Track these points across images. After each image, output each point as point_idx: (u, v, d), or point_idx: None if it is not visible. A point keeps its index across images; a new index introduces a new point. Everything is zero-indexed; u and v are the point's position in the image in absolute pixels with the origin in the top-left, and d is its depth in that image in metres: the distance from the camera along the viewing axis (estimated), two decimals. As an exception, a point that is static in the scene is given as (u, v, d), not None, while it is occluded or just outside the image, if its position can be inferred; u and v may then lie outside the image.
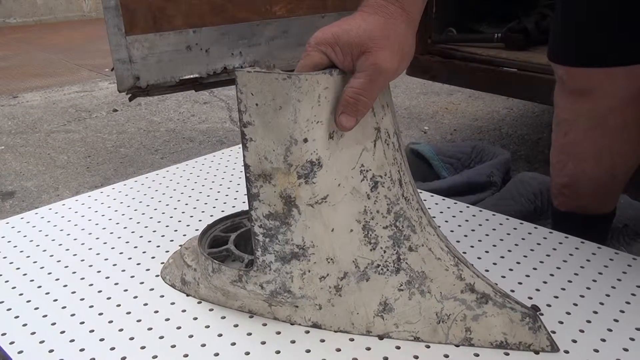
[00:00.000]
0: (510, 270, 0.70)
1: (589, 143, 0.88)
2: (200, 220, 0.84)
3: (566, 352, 0.56)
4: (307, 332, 0.59)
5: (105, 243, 0.79)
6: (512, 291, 0.66)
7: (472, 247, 0.76)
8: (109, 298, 0.66)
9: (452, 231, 0.80)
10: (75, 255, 0.76)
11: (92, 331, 0.60)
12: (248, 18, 1.52)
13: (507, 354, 0.56)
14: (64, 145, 1.98)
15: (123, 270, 0.72)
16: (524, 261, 0.72)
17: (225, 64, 1.53)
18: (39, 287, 0.68)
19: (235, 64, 1.54)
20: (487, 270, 0.70)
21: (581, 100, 0.86)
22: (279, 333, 0.59)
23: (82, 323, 0.61)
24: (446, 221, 0.83)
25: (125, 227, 0.83)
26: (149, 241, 0.79)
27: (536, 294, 0.66)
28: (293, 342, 0.58)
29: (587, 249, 0.75)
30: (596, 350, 0.56)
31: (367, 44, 0.50)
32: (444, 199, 0.90)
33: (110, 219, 0.86)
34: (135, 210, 0.89)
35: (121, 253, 0.76)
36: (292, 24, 1.59)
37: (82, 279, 0.70)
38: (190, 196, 0.93)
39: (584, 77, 0.84)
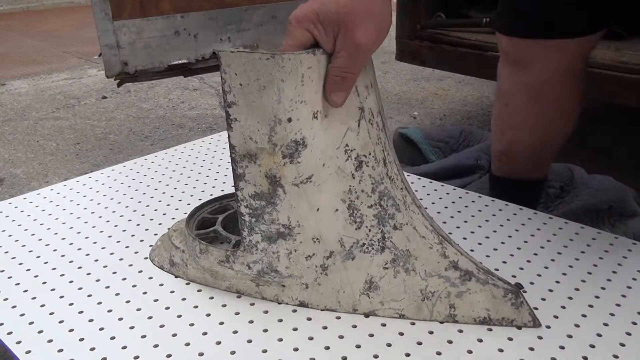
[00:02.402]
0: (495, 250, 0.72)
1: (526, 114, 0.93)
2: (188, 204, 0.85)
3: (548, 327, 0.57)
4: (294, 310, 0.60)
5: (93, 227, 0.79)
6: (497, 270, 0.67)
7: (457, 227, 0.77)
8: (97, 280, 0.66)
9: (438, 212, 0.81)
10: (63, 239, 0.76)
11: (81, 312, 0.61)
12: (236, 3, 1.51)
13: (490, 330, 0.57)
14: (52, 133, 1.97)
15: (111, 253, 0.72)
16: (509, 241, 0.74)
17: (214, 49, 1.53)
18: (28, 270, 0.69)
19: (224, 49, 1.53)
20: (472, 250, 0.71)
21: (520, 72, 0.90)
22: (266, 312, 0.60)
23: (71, 304, 0.62)
24: (433, 203, 0.84)
25: (113, 211, 0.83)
26: (138, 224, 0.79)
27: (520, 272, 0.67)
28: (280, 320, 0.59)
29: (570, 229, 0.76)
30: (577, 325, 0.58)
31: (345, 21, 0.51)
32: (431, 182, 0.91)
33: (98, 204, 0.86)
34: (124, 194, 0.89)
35: (109, 236, 0.76)
36: (280, 8, 1.58)
37: (71, 261, 0.70)
38: (178, 181, 0.94)
39: (522, 48, 0.88)
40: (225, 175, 0.96)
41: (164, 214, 0.82)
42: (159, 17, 1.41)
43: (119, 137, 1.91)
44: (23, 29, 4.27)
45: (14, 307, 0.62)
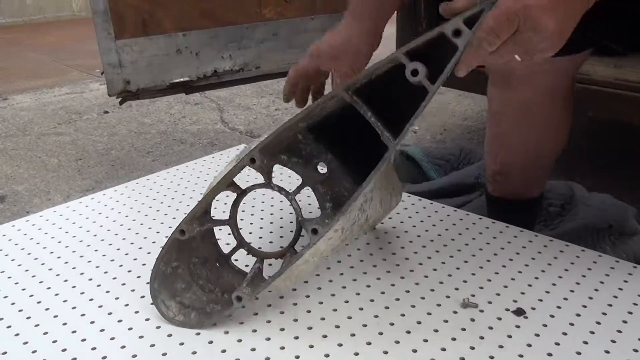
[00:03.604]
0: (496, 273, 0.72)
1: (517, 133, 0.94)
2: (191, 227, 0.85)
3: (549, 354, 0.57)
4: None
5: (96, 250, 0.79)
6: (498, 294, 0.67)
7: (459, 250, 0.77)
8: (100, 306, 0.67)
9: (439, 235, 0.81)
10: (66, 263, 0.76)
11: (83, 340, 0.61)
12: (237, 21, 1.53)
13: (501, 347, 0.57)
14: (54, 148, 1.98)
15: (114, 278, 0.72)
16: (510, 265, 0.74)
17: (216, 67, 1.54)
18: (31, 295, 0.69)
19: (225, 67, 1.54)
20: (473, 274, 0.72)
21: (509, 92, 0.92)
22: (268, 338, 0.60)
23: (73, 332, 0.62)
24: (434, 225, 0.84)
25: (116, 234, 0.84)
26: (140, 248, 0.80)
27: (521, 297, 0.67)
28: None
29: (571, 252, 0.77)
30: (578, 353, 0.58)
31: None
32: (431, 203, 0.91)
33: (101, 226, 0.86)
34: (126, 216, 0.89)
35: (112, 260, 0.77)
36: (281, 26, 1.59)
37: (74, 287, 0.71)
38: (180, 201, 0.94)
39: (510, 70, 0.88)
40: (227, 196, 0.96)
41: (166, 237, 0.82)
42: (161, 35, 1.42)
43: (120, 152, 1.92)
44: (26, 42, 4.30)
45: (16, 334, 0.62)
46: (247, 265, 0.69)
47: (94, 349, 0.59)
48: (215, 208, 0.67)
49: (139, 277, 0.72)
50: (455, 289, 0.68)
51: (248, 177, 0.93)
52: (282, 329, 0.62)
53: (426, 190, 1.21)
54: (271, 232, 0.83)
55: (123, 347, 0.60)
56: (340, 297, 0.67)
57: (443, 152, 1.38)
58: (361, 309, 0.65)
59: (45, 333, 0.62)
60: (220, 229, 0.69)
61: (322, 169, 0.70)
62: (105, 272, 0.74)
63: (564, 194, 1.14)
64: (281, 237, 0.82)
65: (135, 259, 0.77)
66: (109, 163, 1.83)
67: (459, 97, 2.48)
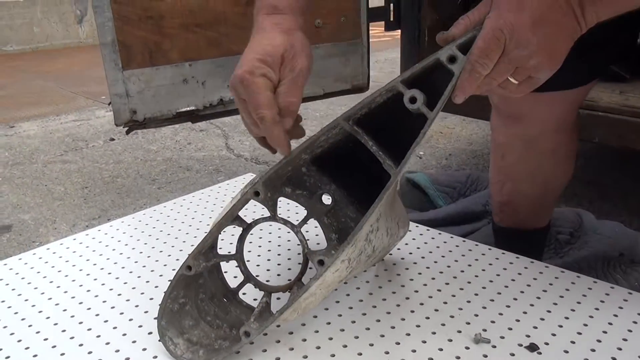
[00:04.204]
0: (508, 307, 0.71)
1: (523, 165, 0.93)
2: (198, 259, 0.84)
3: (564, 393, 0.56)
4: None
5: (103, 284, 0.79)
6: (510, 329, 0.66)
7: (469, 282, 0.76)
8: (107, 343, 0.66)
9: (448, 266, 0.80)
10: (73, 297, 0.76)
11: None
12: (243, 50, 1.54)
13: (506, 397, 0.56)
14: (61, 176, 1.98)
15: (121, 313, 0.72)
16: (521, 297, 0.73)
17: (222, 96, 1.55)
18: (38, 332, 0.68)
19: (231, 96, 1.55)
20: (484, 307, 0.70)
21: (514, 125, 0.91)
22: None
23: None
24: (443, 256, 0.83)
25: (123, 267, 0.83)
26: (147, 281, 0.79)
27: (534, 331, 0.66)
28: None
29: (583, 284, 0.76)
30: (594, 391, 0.56)
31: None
32: (440, 233, 0.91)
33: (108, 259, 0.86)
34: (133, 248, 0.89)
35: (119, 294, 0.76)
36: (286, 55, 1.60)
37: (80, 323, 0.70)
38: (187, 233, 0.94)
39: (515, 103, 0.88)
40: (234, 227, 0.96)
41: (173, 270, 0.82)
42: (167, 65, 1.43)
43: (126, 180, 1.93)
44: (33, 70, 4.36)
45: (23, 373, 0.61)
46: (255, 300, 0.68)
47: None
48: (222, 240, 0.67)
49: (146, 312, 0.72)
50: (466, 323, 0.67)
51: (254, 211, 0.93)
52: (291, 367, 0.61)
53: (433, 218, 1.21)
54: (278, 265, 0.82)
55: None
56: (350, 333, 0.66)
57: (450, 179, 1.38)
58: (371, 344, 0.64)
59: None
60: (227, 264, 0.68)
61: (327, 200, 0.70)
62: (113, 307, 0.73)
63: (573, 222, 1.13)
64: (289, 269, 0.81)
65: (142, 293, 0.76)
66: (115, 191, 1.83)
67: (463, 122, 2.49)
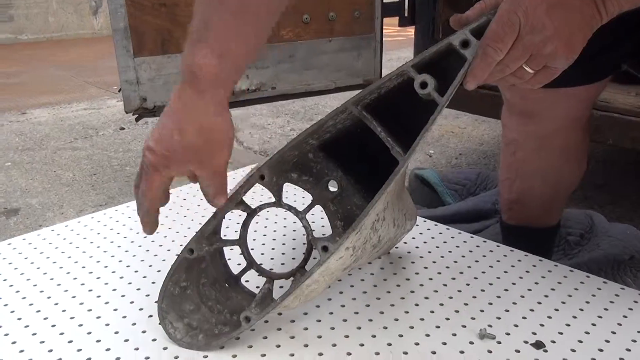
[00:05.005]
0: (514, 304, 0.69)
1: (535, 162, 0.91)
2: (202, 245, 0.84)
3: (570, 392, 0.55)
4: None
5: (105, 267, 0.78)
6: (516, 326, 0.65)
7: (475, 278, 0.75)
8: (107, 324, 0.65)
9: (455, 262, 0.79)
10: (75, 279, 0.75)
11: (88, 359, 0.59)
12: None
13: None
14: (70, 163, 1.99)
15: (122, 296, 0.71)
16: (528, 295, 0.71)
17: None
18: (38, 311, 0.68)
19: (242, 86, 1.55)
20: (490, 304, 0.69)
21: (527, 122, 0.89)
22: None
23: (79, 350, 0.61)
24: (450, 252, 0.82)
25: (126, 251, 0.83)
26: (150, 265, 0.78)
27: (540, 329, 0.64)
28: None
29: (592, 284, 0.74)
30: (601, 391, 0.55)
31: None
32: (448, 229, 0.89)
33: (112, 242, 0.85)
34: (137, 233, 0.88)
35: (121, 277, 0.75)
36: (298, 48, 1.60)
37: (81, 303, 0.70)
38: (192, 219, 0.93)
39: (528, 99, 0.86)
40: (240, 216, 0.95)
41: (176, 255, 0.81)
42: (179, 54, 1.42)
43: (134, 169, 1.92)
44: (47, 59, 4.38)
45: (21, 351, 0.61)
46: (257, 287, 0.67)
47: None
48: (226, 227, 0.66)
49: (147, 295, 0.71)
50: (471, 319, 0.66)
51: (261, 196, 0.92)
52: (292, 355, 0.60)
53: (442, 215, 1.19)
54: (282, 253, 0.81)
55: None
56: (352, 324, 0.65)
57: (459, 177, 1.36)
58: (374, 336, 0.63)
59: (50, 350, 0.61)
60: (230, 249, 0.67)
61: (333, 187, 0.69)
62: (114, 290, 0.72)
63: (584, 223, 1.11)
64: (292, 257, 0.80)
65: (144, 277, 0.75)
66: (123, 179, 1.83)
67: (475, 122, 2.47)
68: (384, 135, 0.57)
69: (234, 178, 1.12)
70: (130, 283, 0.74)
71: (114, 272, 0.77)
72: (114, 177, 1.86)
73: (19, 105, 2.84)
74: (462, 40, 0.54)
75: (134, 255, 0.81)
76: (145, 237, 0.86)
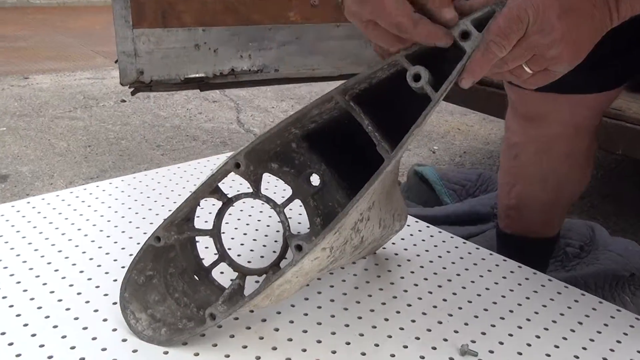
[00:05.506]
0: (502, 319, 0.65)
1: (537, 167, 0.87)
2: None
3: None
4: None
5: (92, 241, 0.75)
6: (501, 343, 0.60)
7: (463, 288, 0.71)
8: (87, 302, 0.62)
9: (444, 268, 0.75)
10: (60, 251, 0.72)
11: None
12: (261, 21, 1.48)
13: None
14: (66, 132, 1.95)
15: (106, 273, 0.68)
16: (518, 310, 0.67)
17: (233, 66, 1.49)
18: (18, 282, 0.65)
19: (243, 67, 1.50)
20: (476, 317, 0.65)
21: (530, 126, 0.85)
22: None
23: (55, 327, 0.58)
24: (439, 256, 0.78)
25: (115, 226, 0.79)
26: (138, 243, 0.75)
27: (527, 349, 0.60)
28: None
29: (587, 302, 0.70)
30: None
31: None
32: (440, 232, 0.85)
33: (102, 216, 0.82)
34: (129, 208, 0.85)
35: (107, 254, 0.72)
36: (305, 31, 1.54)
37: (63, 278, 0.66)
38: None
39: (533, 102, 0.82)
40: (213, 205, 0.91)
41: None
42: (180, 28, 1.38)
43: (131, 143, 1.89)
44: (57, 25, 4.33)
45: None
46: (232, 280, 0.63)
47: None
48: (197, 217, 0.62)
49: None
50: (454, 332, 0.62)
51: (240, 185, 0.88)
52: (258, 357, 0.56)
53: (436, 215, 1.15)
54: (257, 247, 0.77)
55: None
56: (327, 327, 0.61)
57: (459, 177, 1.31)
58: (348, 343, 0.59)
59: (26, 325, 0.58)
60: (203, 239, 0.63)
61: (315, 180, 0.64)
62: (99, 266, 0.69)
63: (584, 235, 1.07)
64: (269, 253, 0.76)
65: (131, 255, 0.71)
66: (118, 152, 1.79)
67: (482, 121, 2.41)
68: (371, 130, 0.52)
69: (214, 164, 1.08)
70: (115, 260, 0.70)
71: (100, 247, 0.74)
72: (108, 149, 1.82)
73: (22, 70, 2.80)
74: (462, 31, 0.49)
75: (123, 232, 0.78)
76: (136, 213, 0.83)
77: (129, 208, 0.85)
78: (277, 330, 0.60)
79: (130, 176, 0.97)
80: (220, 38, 1.45)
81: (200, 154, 1.80)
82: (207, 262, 0.63)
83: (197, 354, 0.56)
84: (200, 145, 1.93)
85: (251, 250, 0.76)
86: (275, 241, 0.79)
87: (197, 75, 1.45)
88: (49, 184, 1.53)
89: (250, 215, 0.85)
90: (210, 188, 0.58)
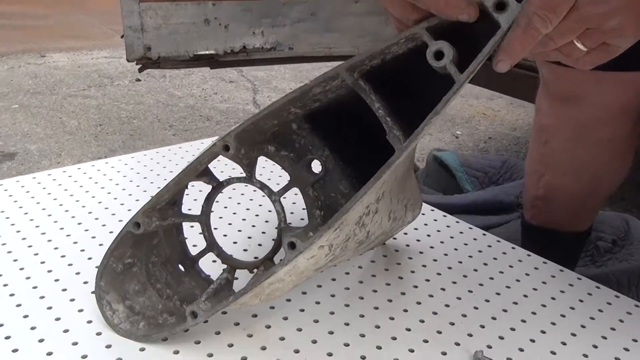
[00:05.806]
0: (523, 322, 0.58)
1: (570, 155, 0.79)
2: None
3: None
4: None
5: (96, 219, 0.71)
6: (521, 350, 0.53)
7: (480, 285, 0.64)
8: (85, 282, 0.58)
9: (460, 262, 0.68)
10: (62, 229, 0.69)
11: (58, 319, 0.50)
12: (275, -4, 1.41)
13: None
14: (77, 111, 1.92)
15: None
16: (541, 312, 0.60)
17: (245, 43, 1.42)
18: (15, 260, 0.62)
19: (255, 44, 1.43)
20: (493, 319, 0.58)
21: (566, 107, 0.76)
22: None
23: (49, 308, 0.55)
24: (455, 249, 0.71)
25: (122, 204, 0.75)
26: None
27: (551, 357, 0.53)
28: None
29: (621, 306, 0.62)
30: None
31: None
32: (458, 222, 0.78)
33: (109, 193, 0.78)
34: (137, 186, 0.81)
35: (111, 232, 0.68)
36: (322, 6, 1.46)
37: (63, 256, 0.63)
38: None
39: (570, 80, 0.73)
40: (200, 191, 0.85)
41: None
42: (189, 2, 1.32)
43: (143, 122, 1.84)
44: (77, 2, 4.31)
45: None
46: (220, 273, 0.57)
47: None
48: (185, 203, 0.56)
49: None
50: (468, 335, 0.55)
51: (233, 170, 0.81)
52: (244, 358, 0.50)
53: (456, 204, 1.07)
54: (249, 237, 0.71)
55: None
56: (324, 326, 0.55)
57: (482, 163, 1.23)
58: (347, 345, 0.53)
59: (19, 305, 0.55)
60: (191, 226, 0.57)
61: (317, 167, 0.57)
62: (100, 245, 0.65)
63: (618, 228, 0.98)
64: (260, 244, 0.69)
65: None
66: (129, 132, 1.75)
67: (510, 105, 2.31)
68: (381, 114, 0.45)
69: (202, 144, 1.02)
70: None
71: (104, 225, 0.70)
72: (119, 129, 1.78)
73: (40, 48, 2.78)
74: (498, 0, 0.40)
75: (129, 210, 0.74)
76: (145, 191, 0.79)
77: (137, 185, 0.81)
78: (268, 327, 0.54)
79: (141, 153, 0.93)
80: (231, 13, 1.38)
81: (213, 135, 1.74)
82: (194, 251, 0.57)
83: (177, 352, 0.50)
84: (213, 125, 1.88)
85: (248, 238, 0.70)
86: (263, 232, 0.72)
87: (207, 52, 1.38)
88: (56, 163, 1.50)
89: (239, 204, 0.79)
90: (196, 172, 0.51)
